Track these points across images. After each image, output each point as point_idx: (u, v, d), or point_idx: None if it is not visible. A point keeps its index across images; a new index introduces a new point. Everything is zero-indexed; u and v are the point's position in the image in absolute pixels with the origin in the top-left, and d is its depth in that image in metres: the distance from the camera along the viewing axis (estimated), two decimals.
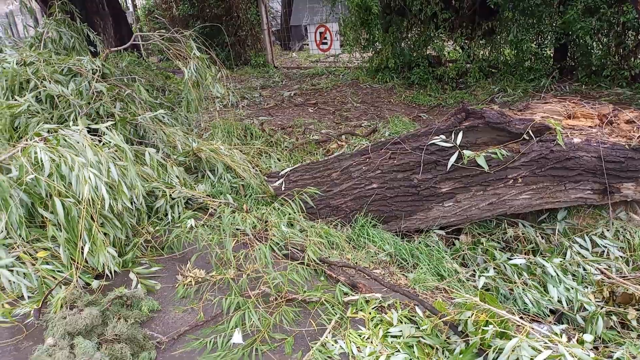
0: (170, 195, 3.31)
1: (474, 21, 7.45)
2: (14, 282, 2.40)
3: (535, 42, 7.07)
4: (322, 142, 5.29)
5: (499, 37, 7.46)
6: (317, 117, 6.51)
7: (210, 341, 2.04)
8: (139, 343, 1.96)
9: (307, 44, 13.22)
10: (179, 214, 3.24)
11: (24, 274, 2.45)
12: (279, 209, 3.20)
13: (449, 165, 3.00)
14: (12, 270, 2.43)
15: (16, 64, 4.25)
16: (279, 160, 4.71)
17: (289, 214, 3.15)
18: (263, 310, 2.23)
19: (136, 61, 8.78)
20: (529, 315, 2.48)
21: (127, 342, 1.92)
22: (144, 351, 1.93)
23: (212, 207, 3.34)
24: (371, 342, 2.00)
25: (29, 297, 2.40)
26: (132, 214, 3.05)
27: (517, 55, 7.16)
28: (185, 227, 3.00)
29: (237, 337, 2.05)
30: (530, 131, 2.97)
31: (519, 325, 1.87)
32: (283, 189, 3.58)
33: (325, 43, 10.88)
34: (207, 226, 3.05)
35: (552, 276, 2.70)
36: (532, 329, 1.76)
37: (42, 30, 5.69)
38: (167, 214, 3.22)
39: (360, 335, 2.05)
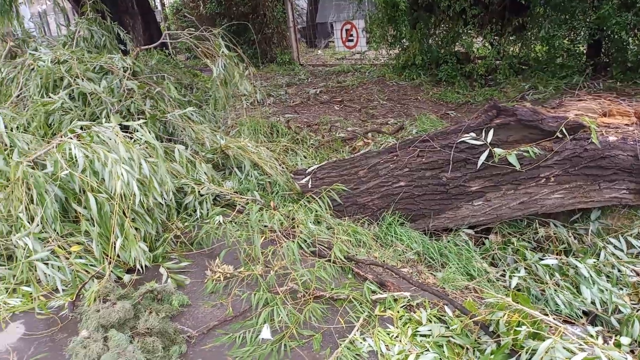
0: (199, 191, 3.36)
1: (504, 17, 7.29)
2: (49, 275, 2.47)
3: (567, 38, 6.88)
4: (348, 140, 5.27)
5: (529, 33, 7.29)
6: (343, 114, 6.50)
7: (239, 336, 2.06)
8: (169, 337, 1.99)
9: (333, 41, 13.21)
10: (208, 210, 3.28)
11: (58, 267, 2.52)
12: (306, 206, 3.20)
13: (479, 164, 2.95)
14: (47, 264, 2.50)
15: (50, 62, 4.36)
16: (305, 158, 4.72)
17: (316, 212, 3.15)
18: (291, 306, 2.24)
19: (165, 59, 8.94)
20: (560, 317, 2.42)
21: (159, 335, 1.95)
22: (175, 345, 1.96)
23: (239, 204, 3.37)
24: (400, 341, 1.98)
25: (63, 290, 2.47)
26: (162, 209, 3.10)
27: (549, 51, 6.97)
28: (213, 223, 3.04)
29: (265, 333, 2.06)
30: (563, 129, 2.89)
31: (552, 327, 1.82)
32: (310, 186, 3.58)
33: (351, 40, 10.83)
34: (235, 223, 3.08)
35: (585, 277, 2.63)
36: (566, 330, 1.72)
37: (75, 29, 5.83)
38: (195, 210, 3.26)
39: (388, 334, 2.04)
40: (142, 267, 2.61)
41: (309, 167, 3.96)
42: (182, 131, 4.32)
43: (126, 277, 2.51)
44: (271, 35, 11.85)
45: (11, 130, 3.39)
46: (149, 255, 2.70)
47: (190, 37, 5.08)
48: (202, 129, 4.40)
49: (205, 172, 3.68)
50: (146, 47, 6.12)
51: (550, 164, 2.90)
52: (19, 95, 4.53)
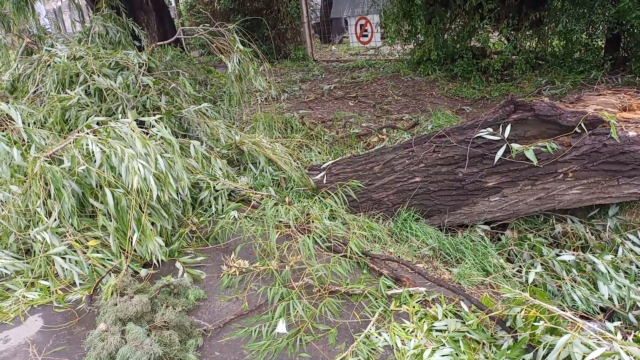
0: (214, 187, 3.38)
1: (521, 11, 7.18)
2: (66, 269, 2.51)
3: (585, 33, 6.75)
4: (363, 136, 5.25)
5: (546, 27, 7.17)
6: (357, 110, 6.47)
7: (255, 330, 2.07)
8: (186, 330, 2.01)
9: (347, 37, 13.14)
10: (223, 205, 3.30)
11: (75, 261, 2.56)
12: (321, 201, 3.20)
13: (496, 159, 2.91)
14: (64, 258, 2.54)
15: (66, 58, 4.41)
16: (320, 154, 4.71)
17: (331, 207, 3.14)
18: (306, 301, 2.24)
19: (179, 55, 8.99)
20: (577, 313, 2.38)
21: (175, 329, 1.97)
22: (191, 338, 1.98)
23: (254, 200, 3.38)
24: (415, 336, 1.97)
25: (80, 284, 2.51)
26: (178, 205, 3.12)
27: (566, 46, 6.86)
28: (229, 218, 3.05)
29: (281, 327, 2.07)
30: (582, 124, 2.84)
31: (569, 322, 1.80)
32: (324, 182, 3.58)
33: (366, 35, 10.78)
34: (250, 218, 3.09)
35: (602, 273, 2.59)
36: (584, 325, 1.69)
37: (90, 25, 5.89)
38: (211, 206, 3.28)
39: (404, 329, 2.03)
40: (158, 262, 2.64)
41: (323, 163, 3.95)
42: (197, 127, 4.35)
43: (143, 272, 2.54)
44: (285, 31, 11.84)
45: (28, 125, 3.43)
46: (165, 250, 2.72)
47: (205, 33, 5.10)
48: (217, 124, 4.42)
49: (220, 168, 3.69)
50: (161, 43, 6.16)
51: (568, 160, 2.85)
52: (35, 91, 4.60)
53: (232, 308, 2.28)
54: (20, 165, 3.09)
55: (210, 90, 6.46)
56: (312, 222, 3.02)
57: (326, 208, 3.11)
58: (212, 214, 3.18)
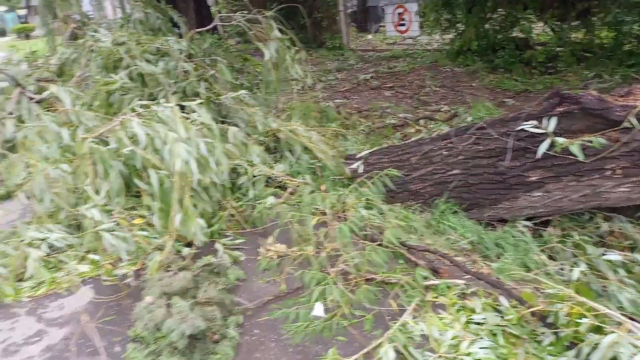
0: (252, 172, 3.43)
1: (567, 1, 6.94)
2: (114, 245, 2.60)
3: (637, 24, 6.46)
4: (399, 127, 5.21)
5: (594, 18, 6.90)
6: (394, 100, 6.42)
7: (292, 312, 2.11)
8: (227, 307, 2.06)
9: (384, 26, 12.98)
10: (260, 191, 3.34)
11: (122, 237, 2.65)
12: (357, 190, 3.21)
13: (540, 153, 2.84)
14: (112, 234, 2.64)
15: (110, 43, 4.52)
16: (355, 144, 4.71)
17: (367, 196, 3.14)
18: (342, 287, 2.26)
19: (217, 43, 9.10)
20: (624, 314, 2.32)
21: (217, 305, 2.03)
22: (232, 316, 2.03)
23: (290, 186, 3.42)
24: (453, 327, 1.97)
25: (127, 259, 2.61)
26: (217, 188, 3.19)
27: (616, 38, 6.59)
28: (266, 203, 3.10)
29: (318, 310, 2.10)
30: (632, 119, 2.74)
31: (616, 323, 1.75)
32: (360, 171, 3.57)
33: (403, 24, 10.62)
34: (287, 204, 3.12)
35: None
36: (633, 326, 1.65)
37: (131, 11, 6.02)
38: (248, 191, 3.33)
39: (441, 319, 2.03)
40: (199, 242, 2.70)
41: (359, 153, 3.95)
42: (234, 114, 4.41)
43: (185, 251, 2.62)
44: (321, 20, 11.79)
45: (76, 108, 3.56)
46: (207, 232, 2.79)
47: (244, 20, 5.13)
48: (254, 112, 4.46)
49: (257, 154, 3.74)
50: (199, 30, 6.23)
51: (616, 156, 2.76)
52: (80, 75, 4.76)
53: (270, 289, 2.33)
54: (69, 145, 3.22)
55: (247, 77, 6.53)
56: (348, 210, 3.03)
57: (362, 197, 3.11)
58: (250, 199, 3.23)
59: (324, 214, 2.99)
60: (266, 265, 2.53)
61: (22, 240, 2.73)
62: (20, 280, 2.55)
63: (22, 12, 31.83)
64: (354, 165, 3.72)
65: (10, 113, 4.10)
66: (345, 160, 3.89)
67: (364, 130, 5.16)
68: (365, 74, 8.26)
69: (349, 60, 9.85)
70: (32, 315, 2.25)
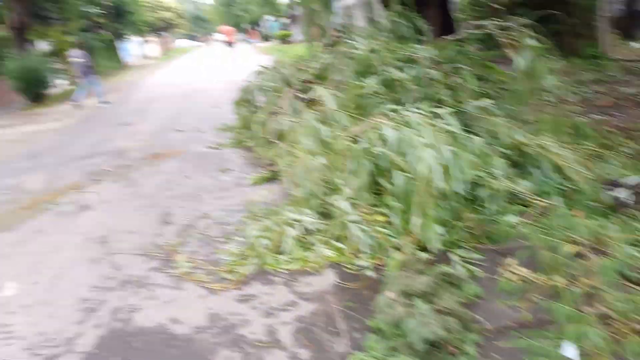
0: (494, 186, 3.25)
1: None
2: (358, 237, 2.79)
3: None
4: None
5: None
6: None
7: (538, 346, 1.92)
8: (465, 323, 2.00)
9: None
10: (501, 206, 3.15)
11: (365, 231, 2.83)
12: (624, 223, 2.74)
13: None
14: (358, 226, 2.83)
15: (364, 51, 4.87)
16: (617, 167, 4.04)
17: (637, 231, 2.66)
18: (600, 331, 1.95)
19: (460, 50, 8.97)
20: None
21: (455, 318, 1.98)
22: (471, 333, 1.96)
23: (535, 206, 3.13)
24: None
25: (367, 253, 2.76)
26: (456, 197, 3.13)
27: None
28: (507, 221, 2.90)
29: (570, 352, 1.86)
30: None
31: None
32: (627, 200, 3.05)
33: None
34: (532, 225, 2.87)
35: None
36: None
37: (381, 20, 6.36)
38: (487, 204, 3.18)
39: None
40: (434, 249, 2.69)
41: (622, 178, 3.39)
42: (477, 122, 4.26)
43: (422, 255, 2.64)
44: (575, 26, 10.51)
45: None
46: (443, 239, 2.76)
47: (494, 27, 4.93)
48: (498, 122, 4.24)
49: (500, 167, 3.54)
50: (445, 37, 6.22)
51: None
52: (336, 79, 5.24)
53: (511, 314, 2.16)
54: (326, 141, 3.58)
55: (491, 86, 6.23)
56: (609, 244, 2.61)
57: (632, 231, 2.64)
58: (490, 213, 3.07)
59: (577, 243, 2.65)
60: (506, 287, 2.36)
61: (282, 219, 3.15)
62: (277, 253, 2.94)
63: (283, 20, 37.01)
64: (617, 193, 3.20)
65: (281, 108, 4.80)
66: (604, 185, 3.38)
67: (628, 153, 4.39)
68: (630, 87, 7.04)
69: (608, 71, 8.55)
70: (286, 286, 2.58)
